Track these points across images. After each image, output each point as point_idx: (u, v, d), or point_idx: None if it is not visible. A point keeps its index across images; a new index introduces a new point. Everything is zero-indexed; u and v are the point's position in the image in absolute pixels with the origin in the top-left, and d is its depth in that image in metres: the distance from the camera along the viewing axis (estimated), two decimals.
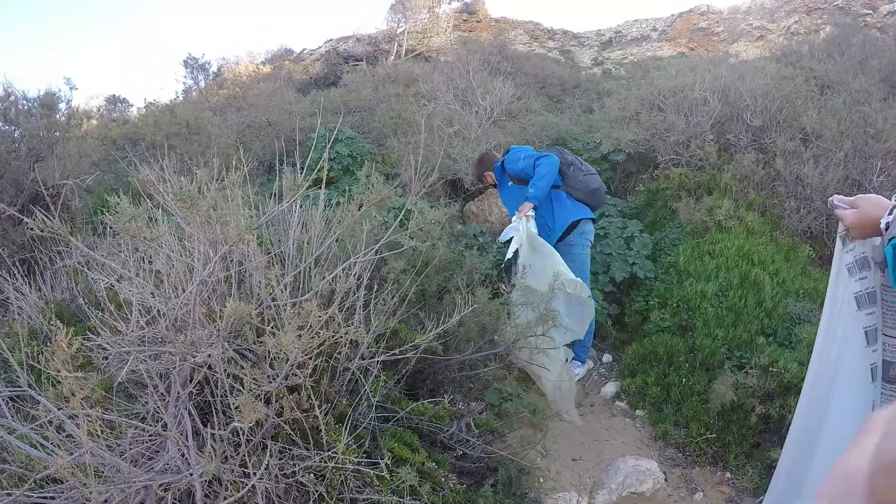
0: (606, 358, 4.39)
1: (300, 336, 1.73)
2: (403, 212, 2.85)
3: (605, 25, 20.28)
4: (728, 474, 3.23)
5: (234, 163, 2.40)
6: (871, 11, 15.51)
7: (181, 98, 14.63)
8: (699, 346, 3.80)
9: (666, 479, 3.17)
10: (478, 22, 18.59)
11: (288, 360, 1.74)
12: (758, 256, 4.40)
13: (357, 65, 15.44)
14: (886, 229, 1.47)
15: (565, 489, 3.03)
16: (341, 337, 1.94)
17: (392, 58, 15.58)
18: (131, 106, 15.47)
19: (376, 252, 2.51)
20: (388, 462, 2.02)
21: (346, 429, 1.99)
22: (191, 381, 1.91)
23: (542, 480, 3.04)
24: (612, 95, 7.81)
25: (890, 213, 1.48)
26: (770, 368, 3.23)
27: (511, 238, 3.88)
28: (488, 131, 7.43)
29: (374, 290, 2.51)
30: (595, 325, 4.41)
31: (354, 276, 2.36)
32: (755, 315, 3.90)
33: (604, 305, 4.42)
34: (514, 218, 3.97)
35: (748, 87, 5.72)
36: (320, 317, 1.80)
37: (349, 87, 11.64)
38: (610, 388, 4.03)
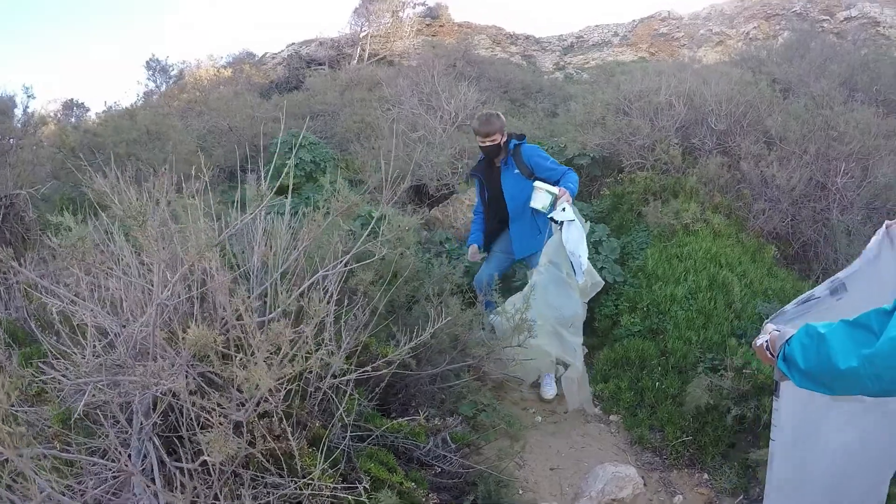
0: None
1: (270, 366, 1.63)
2: (375, 220, 2.76)
3: (566, 31, 20.53)
4: (706, 476, 3.24)
5: (194, 171, 2.28)
6: (828, 17, 16.06)
7: (142, 102, 14.24)
8: (671, 350, 3.81)
9: (645, 484, 3.15)
10: (441, 26, 18.63)
11: (258, 388, 1.64)
12: (725, 258, 4.44)
13: (319, 69, 15.27)
14: None
15: (545, 499, 2.99)
16: (318, 359, 1.85)
17: (355, 62, 15.48)
18: (88, 111, 14.98)
19: (346, 263, 2.43)
20: (367, 486, 1.94)
21: (321, 453, 1.90)
22: (154, 410, 1.79)
23: (521, 492, 2.99)
24: (578, 99, 7.86)
25: None
26: (743, 370, 3.25)
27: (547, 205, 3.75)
28: (453, 136, 7.39)
29: (344, 303, 2.42)
30: None
31: (323, 290, 2.27)
32: (725, 317, 3.93)
33: None
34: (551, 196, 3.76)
35: (713, 91, 5.81)
36: (293, 340, 1.71)
37: (312, 91, 11.51)
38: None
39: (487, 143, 3.97)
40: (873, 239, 1.91)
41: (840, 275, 1.93)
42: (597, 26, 19.37)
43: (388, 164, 2.43)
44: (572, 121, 6.86)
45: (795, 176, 4.97)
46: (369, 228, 2.56)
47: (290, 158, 3.39)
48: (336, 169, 7.20)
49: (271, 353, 1.70)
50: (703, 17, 18.07)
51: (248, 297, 1.90)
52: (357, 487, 1.92)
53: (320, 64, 15.97)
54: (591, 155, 5.93)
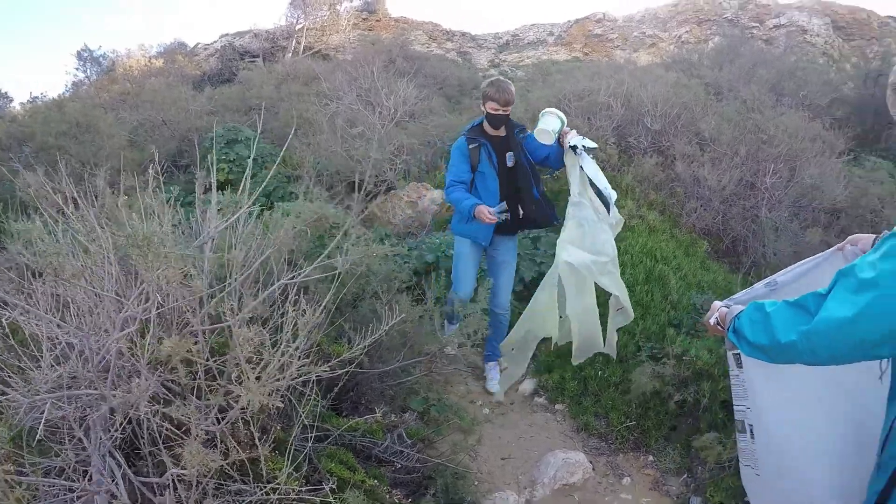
0: None
1: (258, 376, 1.62)
2: (342, 234, 2.75)
3: (502, 29, 20.77)
4: (651, 458, 3.42)
5: (125, 166, 2.21)
6: (758, 24, 16.89)
7: (70, 93, 13.44)
8: None
9: (594, 469, 3.31)
10: (378, 21, 18.49)
11: (249, 404, 1.63)
12: (661, 253, 4.67)
13: (254, 61, 14.88)
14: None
15: (501, 489, 3.08)
16: (304, 366, 1.84)
17: (290, 55, 15.16)
18: (11, 101, 14.01)
19: (314, 271, 2.41)
20: (333, 486, 1.95)
21: (287, 457, 1.90)
22: (113, 424, 1.74)
23: (477, 483, 3.07)
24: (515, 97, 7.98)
25: None
26: (683, 357, 3.44)
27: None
28: (391, 132, 7.40)
29: (301, 304, 2.41)
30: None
31: (281, 293, 2.26)
32: (662, 308, 4.14)
33: (515, 305, 4.49)
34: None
35: (649, 93, 6.06)
36: (267, 345, 1.70)
37: (247, 84, 11.21)
38: (528, 385, 4.12)
39: (504, 113, 3.69)
40: (822, 254, 2.06)
41: (777, 277, 2.10)
42: (532, 25, 19.70)
43: (362, 173, 2.43)
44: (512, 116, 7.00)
45: (726, 176, 5.27)
46: (335, 242, 2.55)
47: (226, 153, 3.32)
48: (275, 166, 7.07)
49: (253, 362, 1.69)
50: (637, 20, 18.65)
51: (232, 304, 1.87)
52: (322, 488, 1.93)
53: (254, 56, 15.55)
54: None
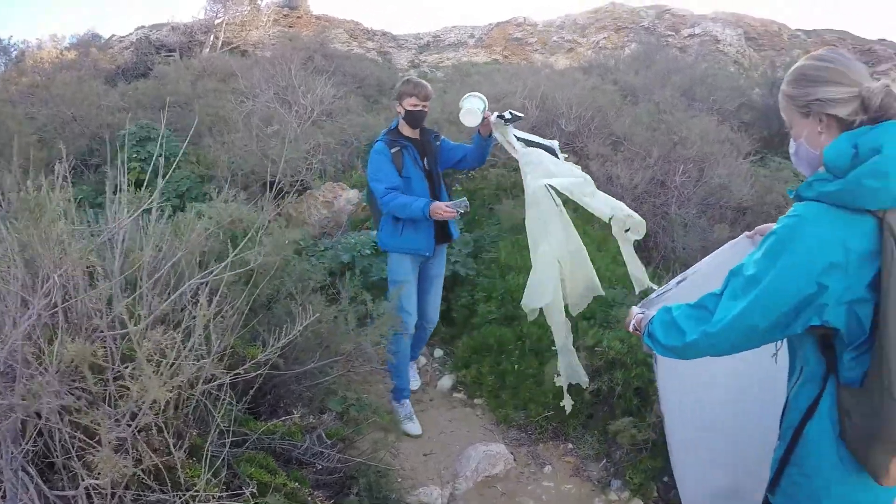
0: (438, 353, 4.54)
1: (158, 372, 1.56)
2: (255, 230, 2.68)
3: (424, 30, 20.87)
4: (570, 445, 3.55)
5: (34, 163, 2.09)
6: (673, 33, 17.71)
7: None
8: (527, 334, 4.07)
9: (515, 459, 3.40)
10: (298, 18, 18.14)
11: (144, 402, 1.56)
12: None
13: (170, 56, 14.23)
14: None
15: (424, 484, 3.12)
16: (200, 365, 1.79)
17: (208, 50, 14.61)
18: None
19: (226, 269, 2.35)
20: (253, 490, 1.91)
21: (205, 463, 1.84)
22: (24, 436, 1.63)
23: (400, 480, 3.09)
24: (434, 97, 8.04)
25: None
26: (595, 348, 3.58)
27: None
28: (308, 131, 7.30)
29: (212, 305, 2.34)
30: None
31: (192, 294, 2.19)
32: None
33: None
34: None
35: (565, 95, 6.26)
36: (174, 347, 1.64)
37: (162, 79, 10.73)
38: (446, 381, 4.19)
39: (424, 108, 3.54)
40: (728, 244, 2.21)
41: (688, 271, 2.25)
42: (454, 27, 19.88)
43: (275, 174, 2.38)
44: (428, 119, 7.03)
45: (638, 175, 5.52)
46: (246, 239, 2.50)
47: (138, 151, 3.18)
48: (188, 165, 6.83)
49: (155, 363, 1.63)
50: (556, 25, 19.16)
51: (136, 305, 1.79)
52: (243, 493, 1.89)
53: (171, 50, 14.86)
54: None
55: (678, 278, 2.27)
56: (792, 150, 1.65)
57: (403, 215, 3.43)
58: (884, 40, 19.58)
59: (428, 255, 3.60)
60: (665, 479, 3.16)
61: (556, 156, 3.26)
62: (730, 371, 2.19)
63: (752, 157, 6.77)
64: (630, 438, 3.23)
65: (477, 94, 3.50)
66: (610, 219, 3.00)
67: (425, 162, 3.62)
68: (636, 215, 3.01)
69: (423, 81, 3.60)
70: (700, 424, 2.31)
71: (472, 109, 3.37)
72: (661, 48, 13.00)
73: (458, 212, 3.35)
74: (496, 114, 3.31)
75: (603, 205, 3.02)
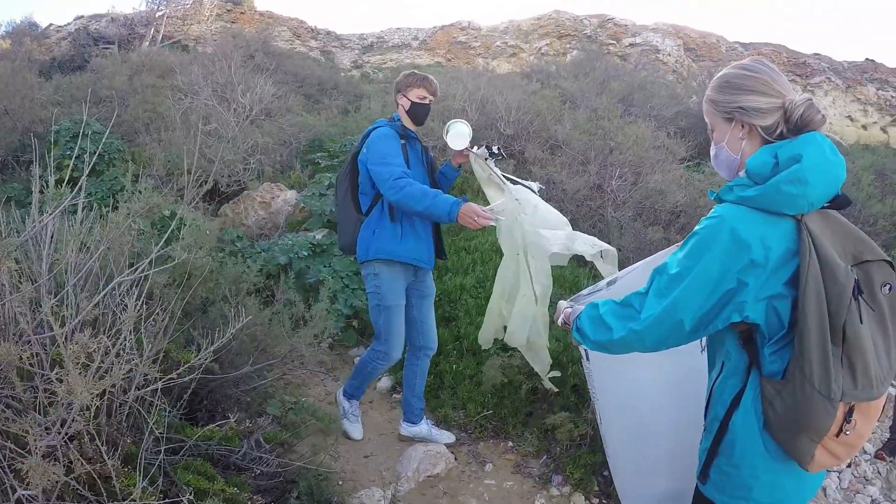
0: None
1: (85, 375, 1.51)
2: (175, 223, 2.62)
3: (368, 30, 20.75)
4: (510, 443, 3.59)
5: None
6: (614, 42, 18.17)
7: None
8: (464, 335, 4.14)
9: (456, 458, 3.43)
10: (242, 13, 17.75)
11: (73, 406, 1.51)
12: None
13: (108, 48, 13.64)
14: None
15: (366, 486, 3.10)
16: (129, 369, 1.73)
17: (147, 43, 14.09)
18: None
19: (150, 265, 2.28)
20: (191, 497, 1.87)
21: (139, 471, 1.79)
22: None
23: (341, 483, 3.07)
24: (373, 98, 8.04)
25: None
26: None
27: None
28: (246, 130, 7.17)
29: (143, 308, 2.28)
30: (364, 325, 4.54)
31: (120, 296, 2.12)
32: None
33: (367, 304, 4.54)
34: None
35: (504, 99, 6.35)
36: (101, 350, 1.59)
37: (99, 73, 10.29)
38: (385, 382, 4.20)
39: (431, 102, 3.24)
40: (662, 252, 2.24)
41: (619, 274, 2.32)
42: (398, 29, 19.88)
43: (191, 164, 2.32)
44: (369, 119, 7.03)
45: (578, 180, 5.66)
46: (169, 232, 2.43)
47: (72, 148, 3.07)
48: (123, 163, 6.59)
49: (81, 367, 1.57)
50: (500, 31, 19.42)
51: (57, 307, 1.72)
52: (181, 500, 1.84)
53: (109, 42, 14.23)
54: None
55: (609, 278, 2.34)
56: (713, 153, 1.71)
57: (419, 207, 2.86)
58: (818, 55, 20.77)
59: (428, 268, 3.20)
60: (605, 472, 3.25)
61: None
62: (662, 372, 2.27)
63: (687, 162, 7.05)
64: (568, 434, 3.31)
65: (462, 120, 3.32)
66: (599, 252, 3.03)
67: (426, 161, 3.30)
68: (609, 246, 3.08)
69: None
70: (636, 430, 2.36)
71: (462, 133, 3.16)
72: (601, 56, 13.36)
73: (495, 218, 2.88)
74: (484, 145, 3.11)
75: (584, 242, 3.05)
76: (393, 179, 2.91)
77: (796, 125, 1.51)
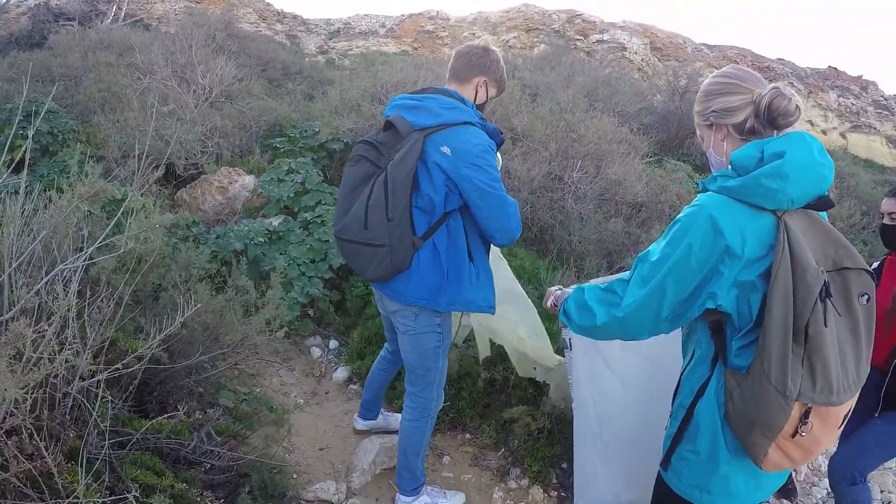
0: (333, 344, 4.47)
1: (14, 372, 1.43)
2: (121, 211, 2.51)
3: (335, 15, 20.49)
4: (468, 435, 3.58)
5: None
6: (582, 37, 18.31)
7: None
8: None
9: None
10: None
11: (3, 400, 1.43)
12: None
13: (68, 25, 13.09)
14: None
15: (321, 480, 3.05)
16: (63, 360, 1.65)
17: (109, 21, 13.56)
18: None
19: (90, 256, 2.18)
20: (137, 493, 1.80)
21: (81, 467, 1.72)
22: None
23: (295, 476, 3.02)
24: (335, 85, 7.91)
25: None
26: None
27: None
28: (205, 112, 6.97)
29: (87, 295, 2.18)
30: (320, 314, 4.48)
31: (64, 282, 2.03)
32: None
33: (324, 292, 4.48)
34: None
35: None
36: (34, 341, 1.51)
37: (56, 50, 9.87)
38: (341, 372, 4.13)
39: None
40: None
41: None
42: (366, 15, 19.67)
43: (142, 149, 2.22)
44: (328, 105, 6.91)
45: (536, 169, 5.66)
46: (115, 219, 2.33)
47: (25, 128, 2.93)
48: (77, 144, 6.34)
49: (12, 359, 1.49)
50: (468, 22, 19.36)
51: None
52: (126, 497, 1.78)
53: (70, 19, 13.64)
54: (345, 140, 6.06)
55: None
56: (709, 160, 1.76)
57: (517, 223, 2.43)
58: (782, 60, 21.36)
59: (493, 311, 2.61)
60: (563, 465, 3.27)
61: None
62: (644, 376, 2.28)
63: (649, 157, 7.14)
64: (525, 427, 3.31)
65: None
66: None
67: None
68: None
69: None
70: (608, 436, 2.37)
71: None
72: (568, 51, 13.43)
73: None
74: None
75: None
76: (508, 205, 2.35)
77: (767, 116, 1.55)
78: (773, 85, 1.58)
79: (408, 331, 2.59)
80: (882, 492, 3.76)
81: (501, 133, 2.53)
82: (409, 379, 2.74)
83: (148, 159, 2.76)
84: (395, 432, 3.20)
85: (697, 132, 1.76)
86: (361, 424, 3.44)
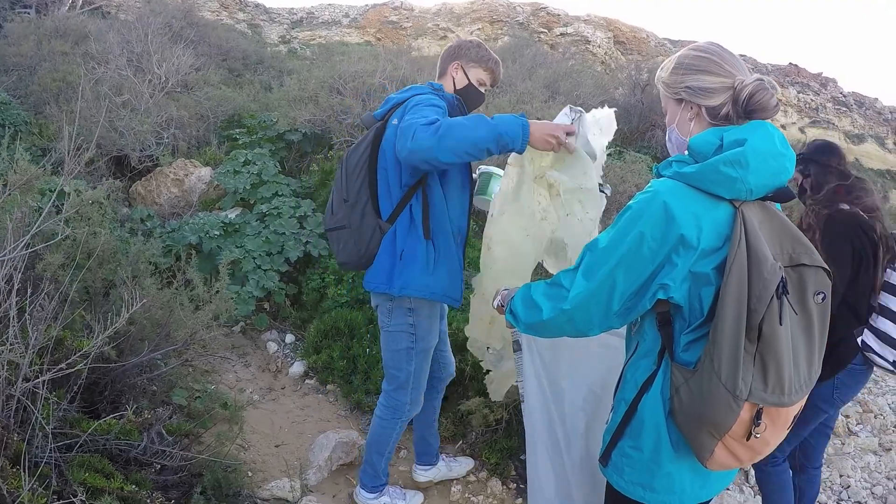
0: (289, 338, 4.43)
1: None
2: (55, 194, 2.42)
3: (298, 4, 20.24)
4: None
5: None
6: (546, 30, 18.42)
7: None
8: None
9: None
10: None
11: None
12: None
13: (26, 12, 12.60)
14: None
15: (276, 477, 3.02)
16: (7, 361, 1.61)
17: (66, 8, 13.11)
18: None
19: (28, 246, 2.12)
20: (84, 497, 1.77)
21: (25, 470, 1.68)
22: None
23: (250, 474, 2.98)
24: (293, 75, 7.83)
25: None
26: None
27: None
28: (161, 102, 6.82)
29: (28, 292, 2.12)
30: (277, 308, 4.44)
31: (5, 278, 1.98)
32: None
33: (280, 286, 4.42)
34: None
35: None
36: None
37: (10, 38, 9.51)
38: (297, 367, 4.08)
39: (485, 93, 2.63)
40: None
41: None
42: (329, 5, 19.48)
43: (72, 131, 2.15)
44: (286, 96, 6.84)
45: (494, 158, 5.69)
46: (50, 204, 2.26)
47: None
48: (30, 136, 6.14)
49: None
50: (433, 13, 19.30)
51: None
52: (73, 501, 1.74)
53: (27, 6, 13.14)
54: (303, 131, 6.01)
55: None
56: (667, 135, 1.67)
57: (479, 134, 2.06)
58: (744, 55, 21.81)
59: (457, 305, 2.55)
60: (522, 456, 3.27)
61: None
62: (594, 374, 2.29)
63: (609, 150, 7.22)
64: (483, 419, 3.29)
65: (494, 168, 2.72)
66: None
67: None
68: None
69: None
70: (560, 436, 2.38)
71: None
72: (532, 43, 13.48)
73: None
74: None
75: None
76: (429, 124, 2.08)
77: (746, 108, 1.47)
78: (757, 76, 1.48)
79: (383, 326, 2.60)
80: (841, 476, 3.80)
81: (463, 103, 2.51)
82: (385, 376, 2.73)
83: (79, 140, 2.64)
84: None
85: (662, 103, 1.65)
86: (421, 476, 3.15)
